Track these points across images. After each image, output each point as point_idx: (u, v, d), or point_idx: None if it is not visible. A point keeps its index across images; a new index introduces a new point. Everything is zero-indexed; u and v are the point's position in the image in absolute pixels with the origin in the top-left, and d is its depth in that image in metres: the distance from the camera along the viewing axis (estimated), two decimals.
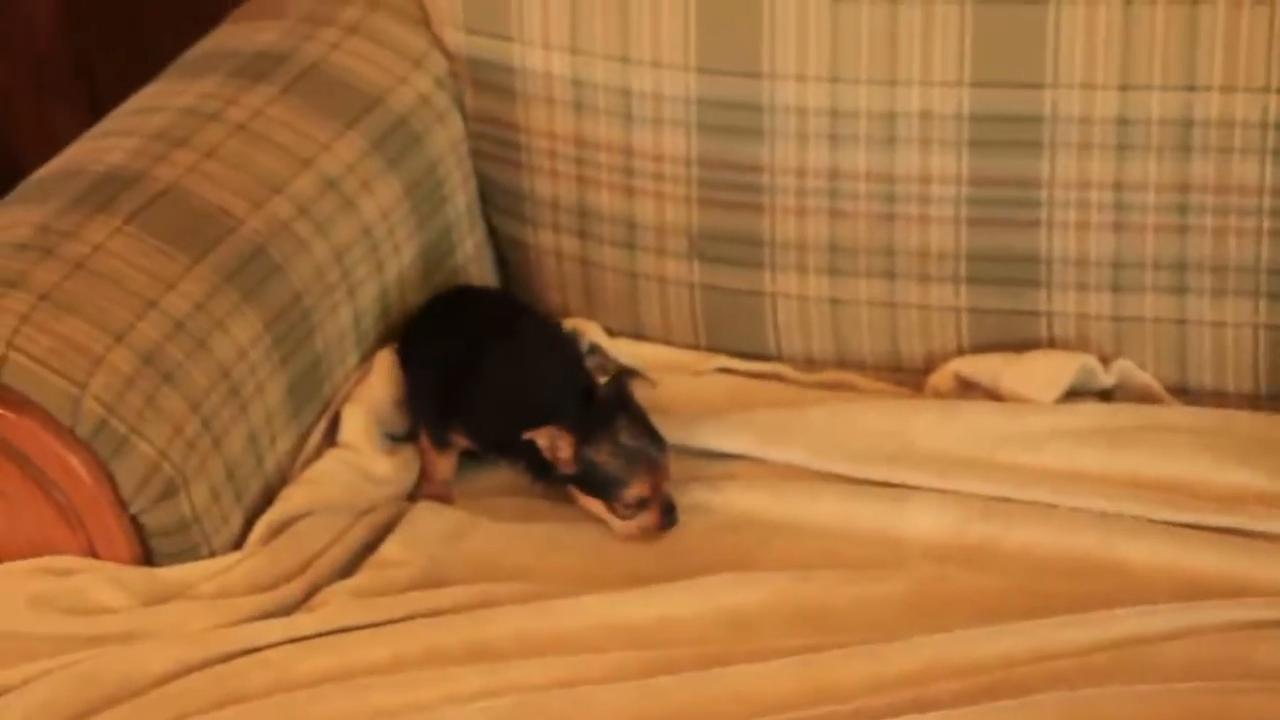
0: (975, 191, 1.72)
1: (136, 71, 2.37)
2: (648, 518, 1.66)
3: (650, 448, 1.66)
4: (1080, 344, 1.74)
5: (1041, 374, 1.73)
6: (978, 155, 1.70)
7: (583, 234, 1.87)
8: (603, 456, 1.65)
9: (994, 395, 1.75)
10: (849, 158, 1.74)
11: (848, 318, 1.79)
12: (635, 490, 1.65)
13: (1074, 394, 1.74)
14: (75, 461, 1.55)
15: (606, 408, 1.67)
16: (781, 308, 1.80)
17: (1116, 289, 1.72)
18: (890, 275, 1.76)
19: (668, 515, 1.66)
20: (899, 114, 1.72)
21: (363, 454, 1.73)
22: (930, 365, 1.78)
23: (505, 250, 1.94)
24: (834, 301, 1.79)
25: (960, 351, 1.77)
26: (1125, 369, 1.74)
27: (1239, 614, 1.46)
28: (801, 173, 1.76)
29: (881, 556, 1.59)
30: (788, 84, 1.74)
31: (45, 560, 1.57)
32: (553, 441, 1.65)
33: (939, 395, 1.76)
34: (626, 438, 1.66)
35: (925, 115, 1.71)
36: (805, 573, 1.57)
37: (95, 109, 2.50)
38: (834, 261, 1.78)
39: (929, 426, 1.68)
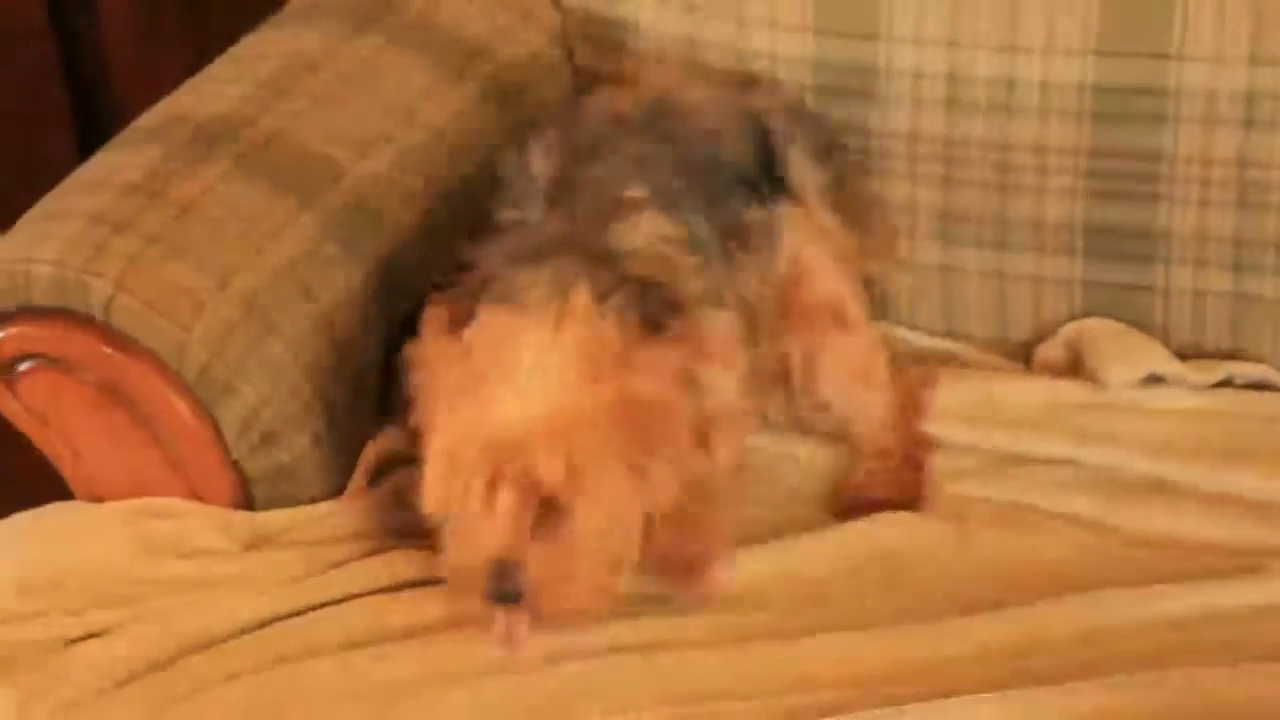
0: (1094, 164, 1.68)
1: (244, 17, 2.40)
2: None
3: None
4: (1196, 322, 1.71)
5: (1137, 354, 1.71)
6: (1099, 127, 1.67)
7: None
8: None
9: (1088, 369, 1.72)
10: (964, 124, 1.72)
11: (956, 286, 1.77)
12: None
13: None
14: (180, 405, 1.56)
15: None
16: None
17: (1237, 268, 1.68)
18: (1002, 245, 1.74)
19: None
20: (1019, 81, 1.69)
21: None
22: (1039, 337, 1.75)
23: None
24: (944, 269, 1.77)
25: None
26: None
27: None
28: (914, 138, 1.74)
29: None
30: (904, 47, 1.72)
31: (148, 501, 1.58)
32: None
33: (1048, 368, 1.73)
34: None
35: (1045, 85, 1.68)
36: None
37: (201, 54, 2.53)
38: (945, 229, 1.76)
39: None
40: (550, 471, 1.34)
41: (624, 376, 1.36)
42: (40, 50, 2.32)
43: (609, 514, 1.36)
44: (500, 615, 1.41)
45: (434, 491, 1.38)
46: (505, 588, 1.36)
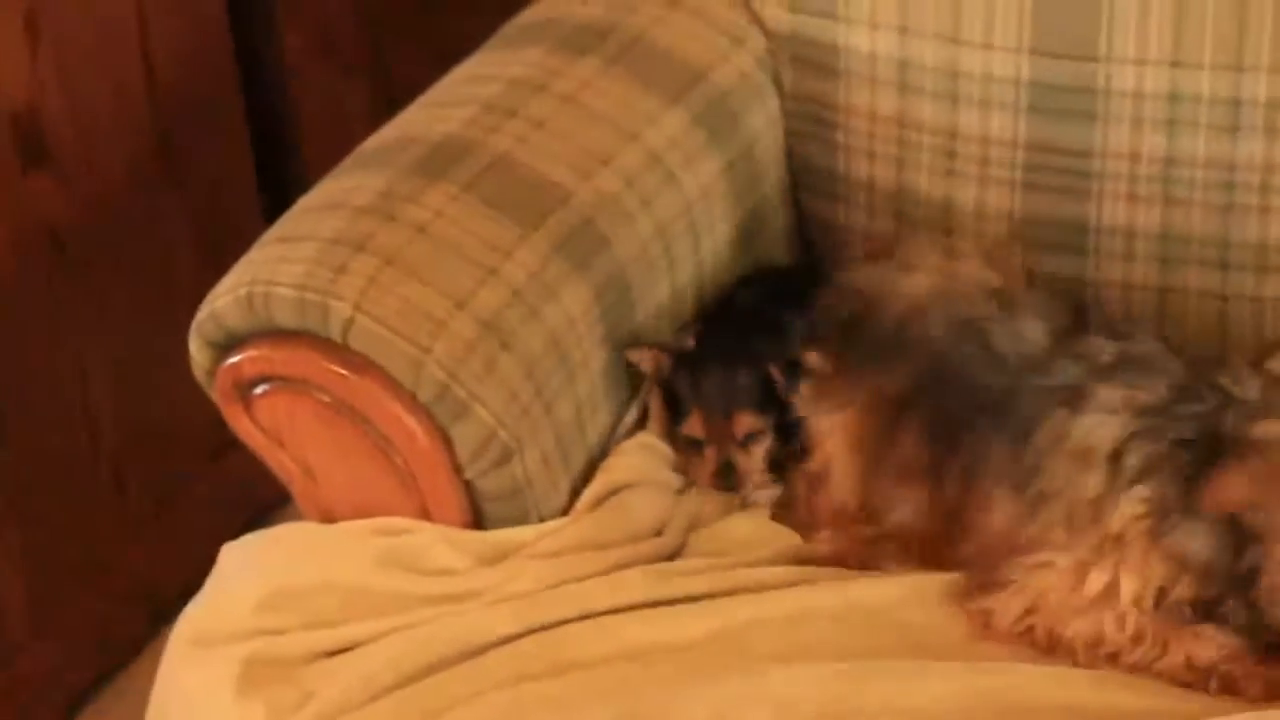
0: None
1: (425, 45, 2.42)
2: (702, 467, 1.69)
3: (722, 398, 1.69)
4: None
5: None
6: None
7: (899, 216, 1.86)
8: (680, 379, 1.70)
9: None
10: (1186, 144, 1.72)
11: (1176, 306, 1.77)
12: (690, 424, 1.69)
13: None
14: (415, 425, 1.58)
15: (719, 352, 1.70)
16: (1105, 296, 1.78)
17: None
18: (1224, 266, 1.74)
19: (720, 476, 1.69)
20: (1244, 101, 1.69)
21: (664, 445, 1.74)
22: (1260, 359, 1.75)
23: (813, 232, 1.93)
24: (1162, 290, 1.77)
25: None
26: None
27: None
28: (1135, 158, 1.74)
29: None
30: (1125, 68, 1.72)
31: (383, 520, 1.60)
32: (643, 357, 1.70)
33: None
34: (711, 379, 1.69)
35: (1272, 103, 1.68)
36: None
37: (384, 83, 2.57)
38: (1165, 250, 1.76)
39: None
40: None
41: None
42: (224, 82, 2.35)
43: None
44: None
45: None
46: None
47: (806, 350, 1.65)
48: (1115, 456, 1.46)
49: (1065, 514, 1.48)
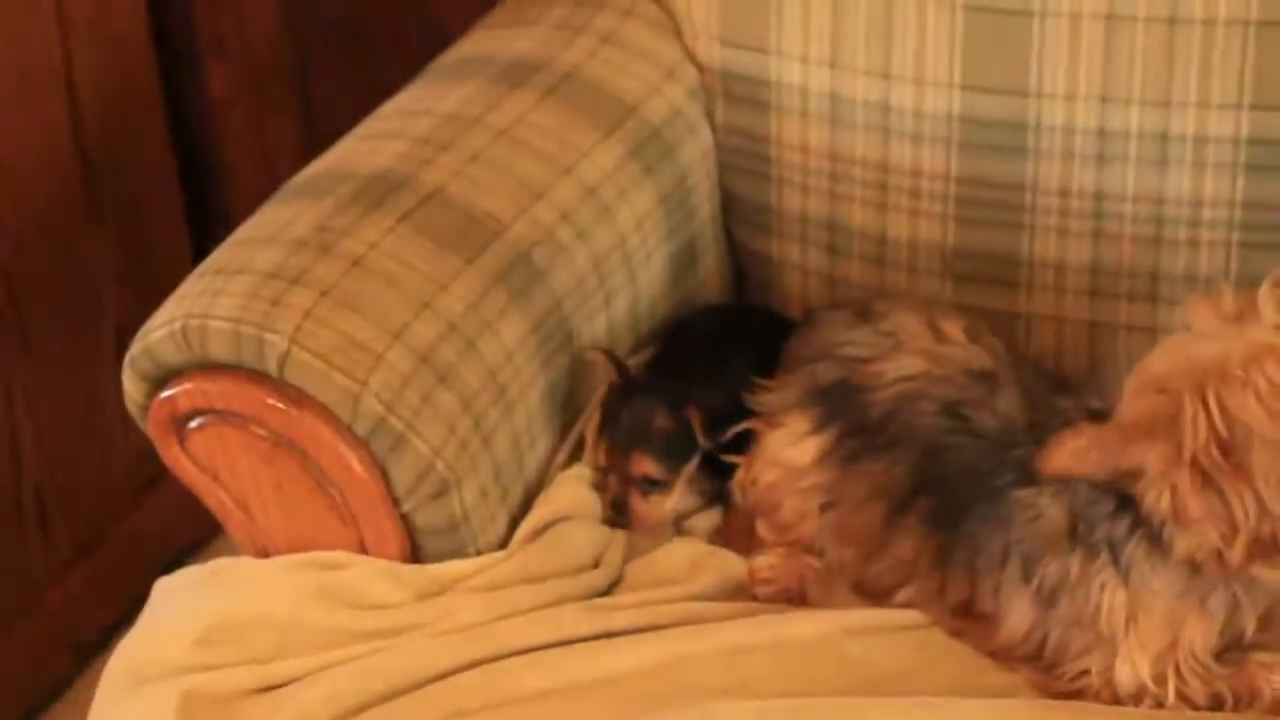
0: (1247, 216, 1.71)
1: (351, 81, 2.42)
2: (604, 496, 1.69)
3: (629, 434, 1.68)
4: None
5: None
6: (1253, 180, 1.70)
7: (831, 249, 1.87)
8: (612, 399, 1.70)
9: None
10: (1116, 179, 1.74)
11: (1105, 340, 1.78)
12: (597, 450, 1.69)
13: None
14: (352, 458, 1.57)
15: (653, 384, 1.70)
16: (1036, 328, 1.80)
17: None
18: (1154, 299, 1.76)
19: (614, 510, 1.68)
20: (1172, 136, 1.71)
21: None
22: None
23: (746, 264, 1.94)
24: (1092, 324, 1.79)
25: None
26: None
27: None
28: (1065, 193, 1.76)
29: None
30: (1055, 103, 1.74)
31: (320, 554, 1.59)
32: (597, 360, 1.71)
33: None
34: (630, 410, 1.68)
35: (1200, 138, 1.70)
36: None
37: (309, 118, 2.56)
38: (1095, 283, 1.77)
39: None
40: None
41: None
42: (150, 116, 2.34)
43: None
44: None
45: None
46: None
47: (777, 404, 1.64)
48: (1073, 532, 1.46)
49: (1072, 610, 1.47)
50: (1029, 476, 1.46)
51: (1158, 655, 1.43)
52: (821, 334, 1.66)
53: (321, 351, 1.56)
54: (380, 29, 2.45)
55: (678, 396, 1.69)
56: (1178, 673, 1.43)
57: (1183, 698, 1.44)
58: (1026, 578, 1.48)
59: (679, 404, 1.68)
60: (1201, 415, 1.34)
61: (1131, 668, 1.44)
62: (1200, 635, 1.43)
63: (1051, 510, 1.46)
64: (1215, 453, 1.34)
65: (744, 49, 1.86)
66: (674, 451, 1.68)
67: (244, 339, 1.56)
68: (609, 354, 1.72)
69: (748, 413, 1.67)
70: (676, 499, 1.70)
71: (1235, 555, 1.36)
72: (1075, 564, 1.45)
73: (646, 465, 1.68)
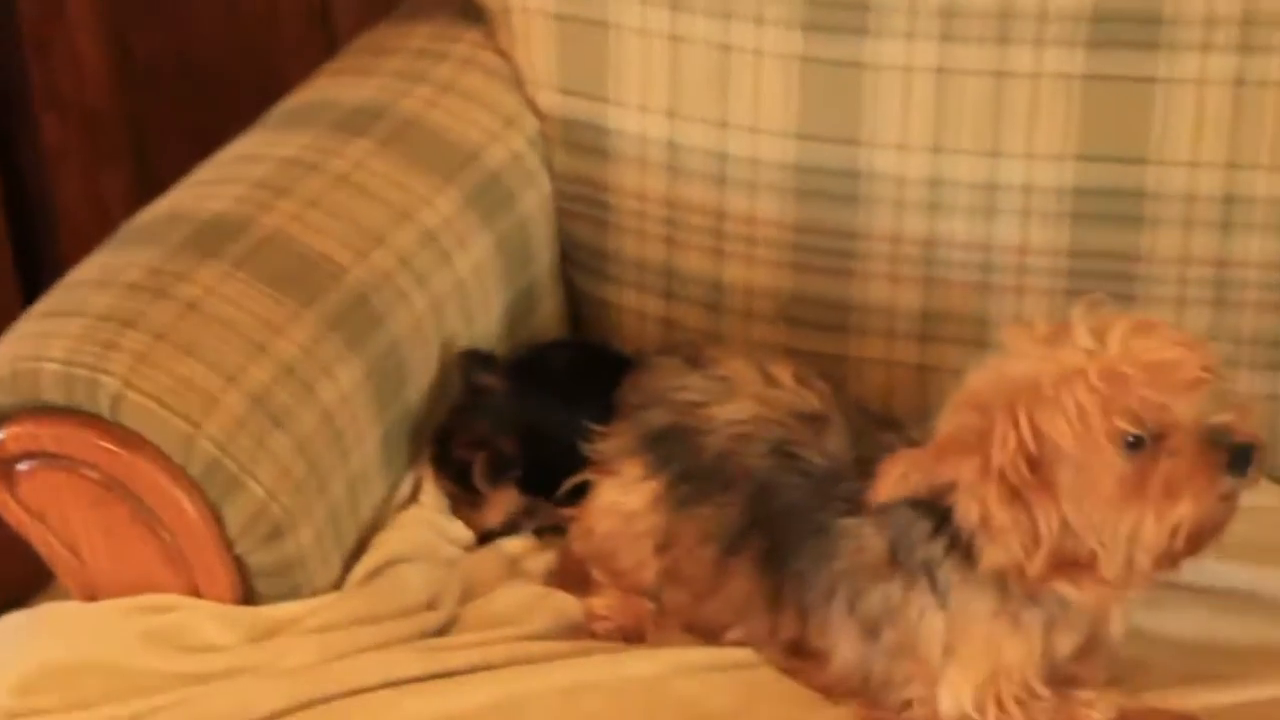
0: (1074, 263, 1.75)
1: (186, 129, 2.40)
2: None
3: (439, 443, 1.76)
4: None
5: None
6: (1079, 228, 1.74)
7: (668, 294, 1.89)
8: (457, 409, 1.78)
9: None
10: (945, 226, 1.77)
11: (935, 384, 1.82)
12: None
13: None
14: (185, 500, 1.56)
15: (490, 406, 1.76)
16: (867, 371, 1.83)
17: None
18: (981, 344, 1.79)
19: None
20: (1000, 185, 1.75)
21: (439, 515, 1.75)
22: None
23: (584, 309, 1.96)
24: (921, 368, 1.82)
25: None
26: None
27: None
28: (896, 239, 1.79)
29: None
30: (887, 153, 1.77)
31: (149, 598, 1.58)
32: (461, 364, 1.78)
33: None
34: (454, 423, 1.76)
35: (1027, 188, 1.74)
36: None
37: (143, 167, 2.53)
38: (925, 328, 1.81)
39: None
40: None
41: None
42: None
43: None
44: None
45: None
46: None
47: (610, 451, 1.65)
48: (894, 557, 1.48)
49: (894, 639, 1.49)
50: (855, 508, 1.48)
51: (979, 683, 1.45)
52: (654, 380, 1.67)
53: (155, 393, 1.55)
54: (216, 77, 2.45)
55: (510, 420, 1.73)
56: (998, 703, 1.45)
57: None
58: (851, 610, 1.50)
59: (505, 430, 1.73)
60: (1011, 431, 1.38)
61: (953, 696, 1.46)
62: (1018, 655, 1.45)
63: (874, 539, 1.48)
64: (1023, 467, 1.38)
65: (582, 97, 1.88)
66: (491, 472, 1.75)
67: (76, 380, 1.54)
68: (470, 361, 1.75)
69: (582, 461, 1.69)
70: (494, 516, 1.74)
71: (1035, 566, 1.39)
72: (896, 591, 1.47)
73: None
